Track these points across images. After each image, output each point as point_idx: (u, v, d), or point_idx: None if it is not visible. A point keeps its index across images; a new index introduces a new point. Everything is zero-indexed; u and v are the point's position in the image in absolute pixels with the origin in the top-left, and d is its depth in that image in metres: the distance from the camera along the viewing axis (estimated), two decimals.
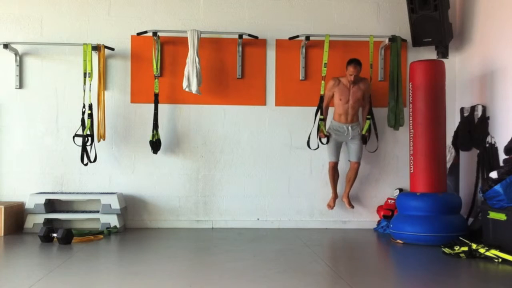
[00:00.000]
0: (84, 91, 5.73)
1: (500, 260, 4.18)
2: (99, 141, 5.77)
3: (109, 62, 5.98)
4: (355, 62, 5.59)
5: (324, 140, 5.78)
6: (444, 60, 5.61)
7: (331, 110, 5.88)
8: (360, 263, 4.44)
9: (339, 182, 5.94)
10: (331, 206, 5.95)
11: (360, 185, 6.03)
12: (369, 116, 5.83)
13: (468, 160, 5.75)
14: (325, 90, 5.77)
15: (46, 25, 5.95)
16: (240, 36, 5.86)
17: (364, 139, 5.82)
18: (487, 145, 5.31)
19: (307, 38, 5.86)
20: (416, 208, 5.10)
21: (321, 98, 5.79)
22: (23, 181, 5.87)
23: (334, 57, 5.93)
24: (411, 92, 5.38)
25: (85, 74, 5.71)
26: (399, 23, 6.13)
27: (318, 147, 5.82)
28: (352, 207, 5.90)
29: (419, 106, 5.28)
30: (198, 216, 6.02)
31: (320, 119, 5.77)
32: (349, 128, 5.73)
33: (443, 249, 4.57)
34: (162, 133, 5.92)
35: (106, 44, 5.83)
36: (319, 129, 5.77)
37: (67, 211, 5.80)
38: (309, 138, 5.81)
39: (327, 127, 5.80)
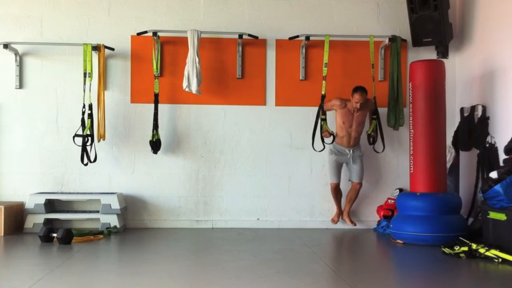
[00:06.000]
0: (84, 91, 5.73)
1: (500, 260, 4.18)
2: (99, 141, 5.77)
3: (109, 62, 5.98)
4: (361, 90, 5.55)
5: (329, 139, 5.76)
6: (444, 60, 5.61)
7: (330, 114, 5.88)
8: (360, 263, 4.45)
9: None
10: (335, 221, 5.93)
11: None
12: (374, 116, 5.82)
13: (468, 160, 5.75)
14: (328, 103, 5.74)
15: (46, 25, 5.95)
16: (240, 36, 5.86)
17: (371, 139, 5.83)
18: (487, 145, 5.31)
19: (307, 38, 5.86)
20: (416, 208, 5.09)
21: (322, 98, 5.79)
22: (23, 181, 5.87)
23: (334, 57, 5.93)
24: (411, 92, 5.37)
25: (85, 74, 5.71)
26: (399, 23, 6.12)
27: (324, 148, 5.80)
28: (354, 224, 5.88)
29: (419, 106, 5.28)
30: (198, 216, 6.01)
31: (322, 119, 5.77)
32: (351, 151, 5.73)
33: (443, 249, 4.57)
34: (162, 133, 5.92)
35: (106, 44, 5.83)
36: (322, 129, 5.77)
37: (67, 211, 5.80)
38: (313, 140, 5.79)
39: (330, 147, 5.77)
